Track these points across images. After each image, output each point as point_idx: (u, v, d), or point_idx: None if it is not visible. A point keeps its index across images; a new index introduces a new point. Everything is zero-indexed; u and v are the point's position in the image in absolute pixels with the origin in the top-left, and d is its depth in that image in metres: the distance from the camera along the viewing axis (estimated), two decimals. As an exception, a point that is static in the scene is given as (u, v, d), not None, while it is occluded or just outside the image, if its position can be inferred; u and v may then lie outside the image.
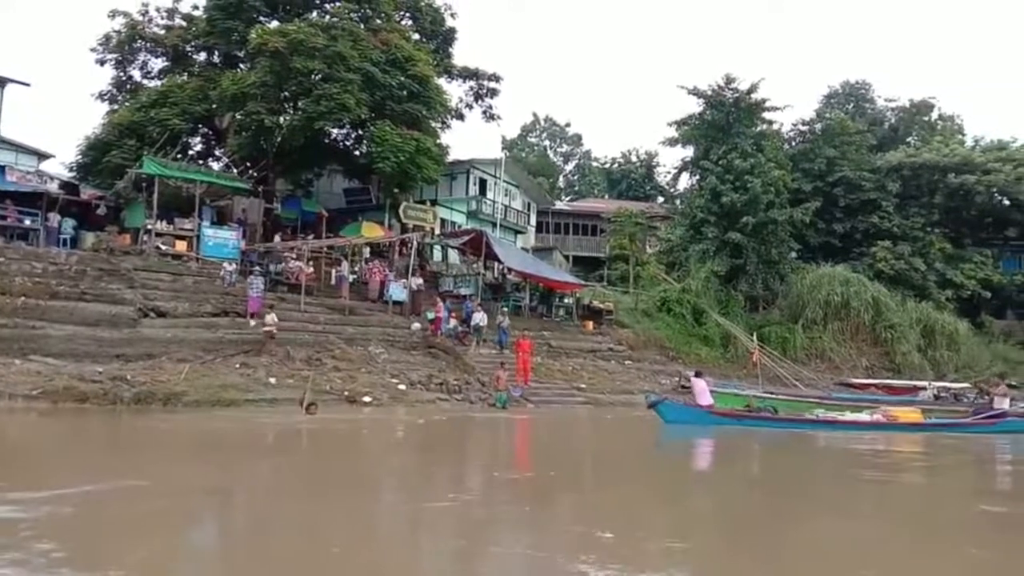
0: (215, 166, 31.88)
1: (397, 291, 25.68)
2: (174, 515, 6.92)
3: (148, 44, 33.03)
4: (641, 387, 24.43)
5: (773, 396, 22.23)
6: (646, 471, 12.19)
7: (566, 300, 32.11)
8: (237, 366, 18.86)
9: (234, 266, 23.73)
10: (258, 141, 29.61)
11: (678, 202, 49.48)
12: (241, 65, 31.10)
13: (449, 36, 34.67)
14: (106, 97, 33.78)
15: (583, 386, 23.99)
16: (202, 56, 32.99)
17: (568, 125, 78.07)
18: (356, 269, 27.26)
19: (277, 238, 28.32)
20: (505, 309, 26.26)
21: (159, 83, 32.44)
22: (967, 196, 40.34)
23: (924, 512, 9.14)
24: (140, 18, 32.89)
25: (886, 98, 54.69)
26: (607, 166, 70.34)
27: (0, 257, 19.53)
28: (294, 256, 25.74)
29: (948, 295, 38.41)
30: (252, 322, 20.33)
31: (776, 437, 17.15)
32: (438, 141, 31.45)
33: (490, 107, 35.74)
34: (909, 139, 50.95)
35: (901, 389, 28.28)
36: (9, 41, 78.74)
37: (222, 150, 32.94)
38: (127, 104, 31.83)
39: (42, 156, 31.40)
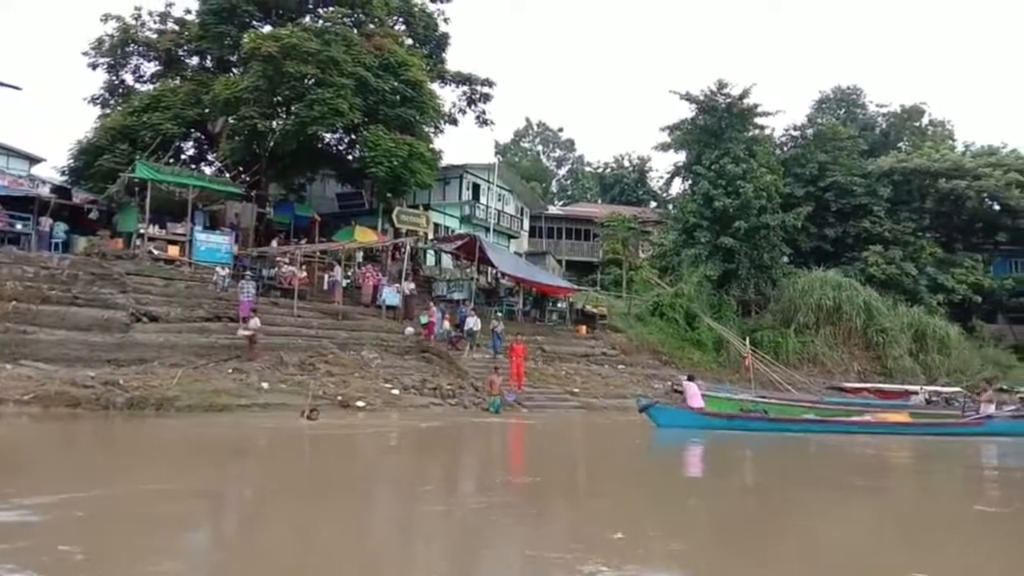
0: (208, 170, 31.89)
1: (390, 296, 25.69)
2: (195, 518, 7.02)
3: (141, 48, 33.03)
4: (634, 391, 24.45)
5: (766, 400, 22.32)
6: (643, 475, 12.23)
7: (559, 305, 32.15)
8: (230, 371, 18.80)
9: (227, 271, 23.69)
10: (251, 145, 29.61)
11: (671, 207, 49.54)
12: (234, 69, 31.10)
13: (442, 41, 34.75)
14: (98, 101, 33.76)
15: (576, 390, 24.00)
16: (195, 60, 32.98)
17: (561, 130, 78.46)
18: (349, 274, 27.23)
19: (274, 243, 28.29)
20: (499, 314, 26.27)
21: (152, 87, 32.39)
22: (958, 201, 40.55)
23: (920, 510, 9.29)
24: (133, 22, 32.89)
25: (877, 103, 55.04)
26: (600, 171, 70.55)
27: (-9, 261, 19.43)
28: (287, 261, 25.71)
29: (939, 299, 38.55)
30: (241, 330, 20.13)
31: (767, 440, 17.23)
32: (431, 146, 31.47)
33: (483, 112, 35.86)
34: (900, 144, 51.20)
35: (893, 393, 28.37)
36: (0, 44, 78.45)
37: (215, 154, 32.93)
38: (119, 108, 31.79)
39: (34, 160, 31.38)
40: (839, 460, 14.87)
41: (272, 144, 29.39)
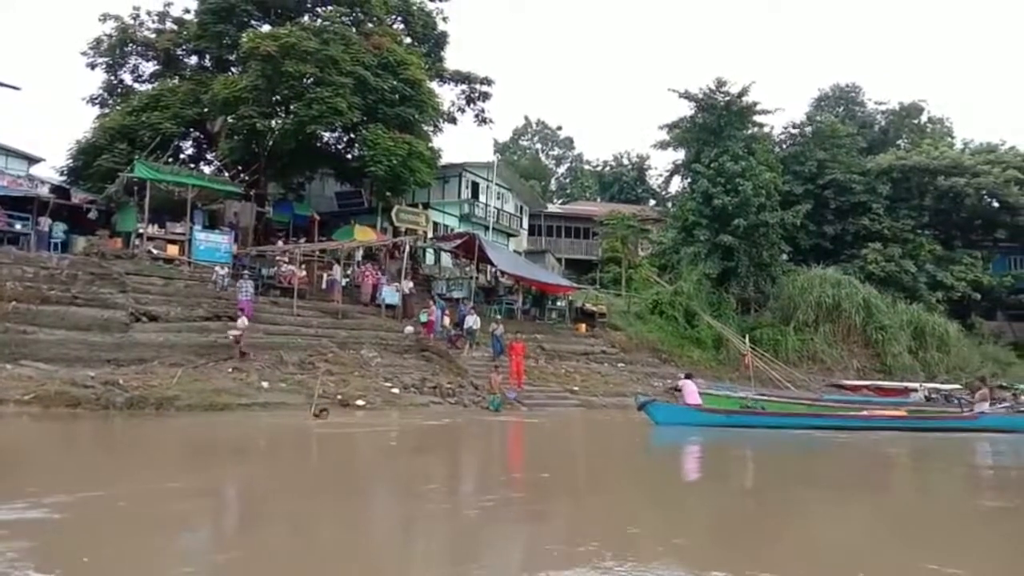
0: (207, 170, 31.89)
1: (390, 294, 25.70)
2: (216, 517, 7.11)
3: (139, 48, 33.07)
4: (634, 389, 24.47)
5: (765, 398, 22.36)
6: (646, 472, 12.29)
7: (559, 303, 32.17)
8: (230, 370, 18.82)
9: (226, 270, 23.70)
10: (250, 145, 29.62)
11: (670, 205, 49.58)
12: (233, 69, 31.11)
13: (441, 40, 34.74)
14: (97, 101, 33.78)
15: (576, 389, 24.03)
16: (193, 60, 33.00)
17: (560, 128, 78.44)
18: (348, 273, 27.24)
19: (280, 243, 28.31)
20: (499, 317, 26.23)
21: (150, 87, 32.43)
22: (957, 198, 40.54)
23: (924, 503, 9.39)
24: (131, 22, 32.92)
25: (876, 101, 55.10)
26: (599, 169, 70.56)
27: (-9, 262, 19.44)
28: (286, 260, 25.72)
29: (938, 297, 38.56)
30: (230, 331, 19.92)
31: (765, 436, 17.33)
32: (430, 145, 31.50)
33: (482, 111, 35.90)
34: (899, 142, 51.22)
35: (892, 390, 28.40)
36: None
37: (214, 154, 32.95)
38: (118, 108, 31.81)
39: (32, 160, 31.35)
40: (835, 455, 14.97)
41: (271, 143, 29.41)
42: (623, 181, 64.70)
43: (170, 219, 25.35)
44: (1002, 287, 41.12)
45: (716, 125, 36.31)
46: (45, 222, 24.77)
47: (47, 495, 7.18)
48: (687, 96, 36.92)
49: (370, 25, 30.37)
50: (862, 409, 20.28)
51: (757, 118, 37.49)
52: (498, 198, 40.96)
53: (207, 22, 29.83)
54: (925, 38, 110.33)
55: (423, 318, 24.68)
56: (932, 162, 41.18)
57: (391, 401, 19.31)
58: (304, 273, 25.33)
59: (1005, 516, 8.63)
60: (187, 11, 32.50)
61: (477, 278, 30.44)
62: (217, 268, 23.58)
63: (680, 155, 39.41)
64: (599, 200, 61.67)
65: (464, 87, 35.51)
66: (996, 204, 41.50)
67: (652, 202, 59.80)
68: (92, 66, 32.96)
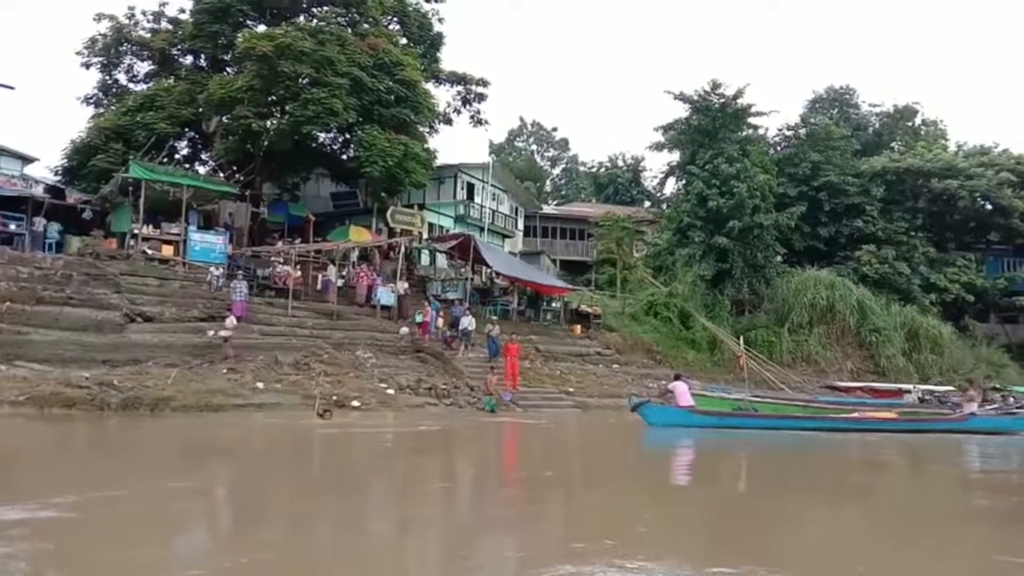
0: (202, 170, 31.74)
1: (385, 295, 25.70)
2: (232, 519, 7.16)
3: (134, 47, 32.92)
4: (629, 391, 24.49)
5: (759, 399, 22.43)
6: (645, 473, 12.41)
7: (554, 304, 32.20)
8: (224, 371, 18.78)
9: (221, 270, 23.65)
10: (245, 145, 29.53)
11: (665, 207, 49.66)
12: (228, 69, 31.03)
13: (437, 41, 34.70)
14: (92, 100, 33.63)
15: (571, 390, 24.06)
16: (188, 60, 32.88)
17: (555, 129, 78.51)
18: (344, 274, 27.21)
19: (280, 244, 28.26)
20: (495, 318, 26.23)
21: (145, 87, 32.29)
22: (950, 201, 40.76)
23: (917, 503, 9.52)
24: (126, 21, 32.79)
25: (870, 103, 55.34)
26: (594, 170, 70.59)
27: (-16, 262, 19.38)
28: (281, 261, 25.69)
29: (932, 299, 38.76)
30: (220, 331, 19.81)
31: (757, 438, 17.45)
32: (426, 145, 31.43)
33: (478, 112, 35.81)
34: (893, 144, 51.48)
35: (886, 392, 28.51)
36: (-8, 44, 78.06)
37: (209, 154, 32.84)
38: (113, 108, 31.69)
39: (27, 160, 31.26)
40: (824, 456, 15.12)
41: (266, 144, 29.33)
42: (618, 183, 64.74)
43: (165, 219, 25.29)
44: (995, 289, 41.32)
45: (711, 127, 36.39)
46: (39, 222, 24.68)
47: (56, 495, 7.20)
48: (682, 98, 37.01)
49: (366, 26, 30.33)
50: (853, 411, 20.47)
51: (752, 120, 37.60)
52: (493, 199, 40.98)
53: (202, 22, 29.74)
54: (919, 40, 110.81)
55: (418, 319, 24.69)
56: (926, 164, 41.41)
57: (386, 402, 19.30)
58: (299, 274, 25.31)
59: (993, 516, 8.73)
60: (182, 11, 32.42)
61: (472, 279, 30.44)
62: (212, 269, 23.54)
63: (675, 157, 39.50)
64: (594, 201, 61.73)
65: (460, 88, 35.48)
66: (989, 206, 41.76)
67: (647, 204, 59.87)
68: (87, 65, 32.83)
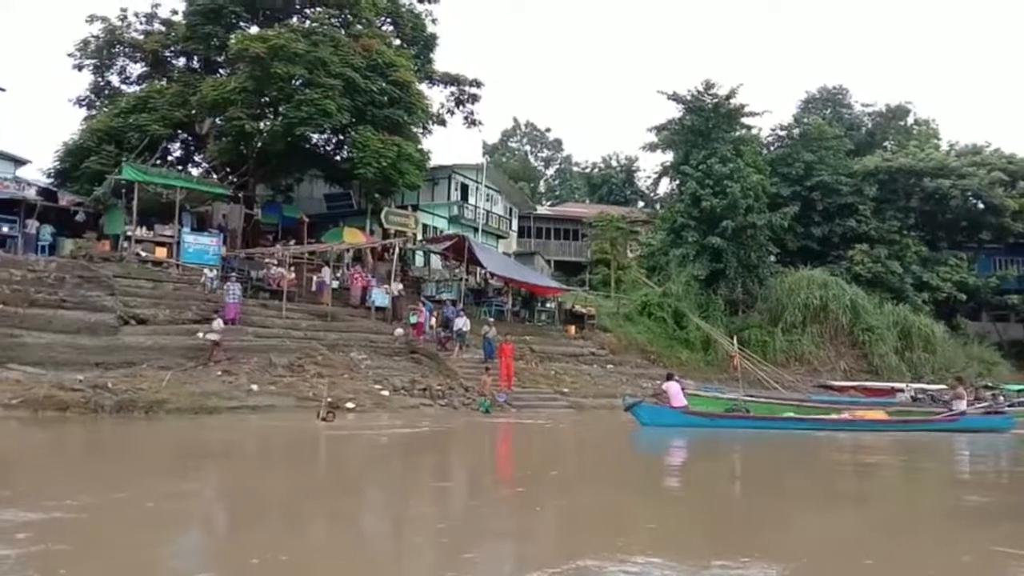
0: (195, 172, 31.83)
1: (379, 297, 25.71)
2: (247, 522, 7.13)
3: (127, 49, 32.93)
4: (623, 391, 24.58)
5: (753, 399, 22.52)
6: (643, 472, 12.52)
7: (548, 305, 32.25)
8: (219, 373, 18.77)
9: (215, 272, 23.63)
10: (238, 147, 29.55)
11: (658, 207, 49.77)
12: (221, 71, 31.06)
13: (430, 42, 34.75)
14: (84, 102, 33.65)
15: (566, 390, 24.10)
16: (181, 61, 32.88)
17: (549, 130, 78.60)
18: (338, 275, 27.20)
19: (278, 246, 28.22)
20: (491, 320, 26.22)
21: (138, 88, 32.30)
22: (942, 200, 40.90)
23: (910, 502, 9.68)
24: (119, 23, 32.79)
25: (863, 103, 55.48)
26: (588, 171, 70.70)
27: (-22, 265, 19.33)
28: (275, 262, 25.67)
29: (924, 298, 38.91)
30: (206, 334, 19.63)
31: (751, 437, 17.57)
32: (419, 146, 31.47)
33: (471, 113, 35.90)
34: (886, 144, 51.65)
35: (879, 391, 28.62)
36: (-16, 45, 77.82)
37: (202, 156, 32.87)
38: (106, 110, 31.70)
39: (19, 162, 31.18)
40: (816, 455, 15.29)
41: (260, 145, 29.35)
42: (612, 183, 64.85)
43: (158, 221, 25.24)
44: (987, 288, 41.49)
45: (704, 127, 36.46)
46: (32, 225, 24.65)
47: (65, 498, 7.24)
48: (675, 98, 37.06)
49: (359, 27, 30.35)
50: (844, 412, 20.65)
51: (745, 120, 37.69)
52: (487, 200, 41.01)
53: (195, 24, 29.73)
54: (912, 40, 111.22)
55: (412, 320, 24.71)
56: (918, 164, 41.56)
57: (381, 403, 19.31)
58: (293, 275, 25.29)
59: (984, 512, 8.84)
60: (175, 12, 32.44)
61: (467, 280, 30.47)
62: (206, 271, 23.51)
63: (669, 157, 39.55)
64: (588, 202, 61.84)
65: (453, 89, 35.53)
66: (981, 205, 41.90)
67: (641, 204, 59.99)
68: (79, 67, 32.83)
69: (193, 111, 29.82)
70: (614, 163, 67.16)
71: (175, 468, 10.31)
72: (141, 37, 32.69)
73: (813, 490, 10.43)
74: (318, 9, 30.31)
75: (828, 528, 7.52)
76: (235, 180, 29.87)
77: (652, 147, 39.61)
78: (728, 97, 36.44)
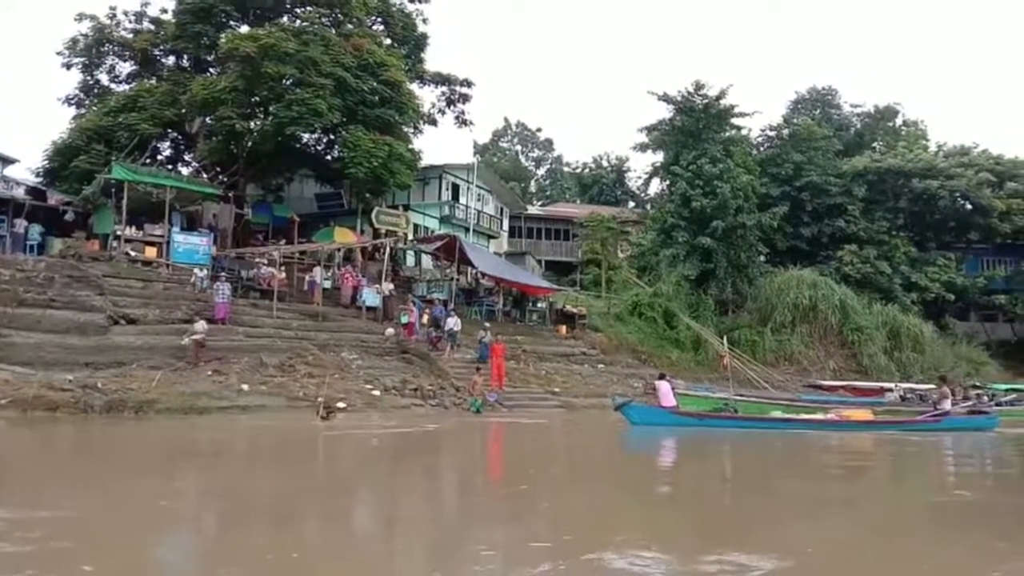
0: (185, 171, 31.66)
1: (370, 297, 25.69)
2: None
3: (116, 48, 32.70)
4: (614, 390, 24.64)
5: (743, 399, 22.64)
6: (637, 471, 12.69)
7: (539, 305, 32.30)
8: (209, 373, 18.74)
9: (205, 272, 23.56)
10: (229, 146, 29.42)
11: (649, 207, 49.87)
12: (211, 70, 30.90)
13: (421, 41, 34.68)
14: (73, 101, 33.38)
15: (557, 390, 24.15)
16: (171, 60, 32.68)
17: (539, 130, 78.57)
18: (329, 275, 27.15)
19: (283, 240, 28.10)
20: (488, 324, 26.12)
21: (128, 87, 32.07)
22: (931, 200, 41.16)
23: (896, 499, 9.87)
24: (108, 22, 32.54)
25: (852, 104, 55.77)
26: (578, 171, 70.77)
27: (-35, 264, 19.22)
28: (265, 262, 25.61)
29: (913, 298, 39.13)
30: (185, 338, 19.43)
31: (740, 436, 17.73)
32: (410, 146, 31.40)
33: (462, 112, 35.82)
34: (874, 144, 51.92)
35: (868, 391, 28.75)
36: (-29, 43, 77.31)
37: (192, 155, 32.72)
38: (95, 108, 31.48)
39: (7, 161, 30.91)
40: (806, 452, 15.48)
41: (250, 144, 29.22)
42: (603, 183, 64.93)
43: (148, 221, 25.17)
44: (975, 288, 41.76)
45: (694, 128, 36.57)
46: (21, 224, 24.52)
47: (71, 496, 7.42)
48: (666, 99, 37.15)
49: (350, 26, 30.28)
50: (831, 411, 20.86)
51: (735, 121, 37.78)
52: (478, 200, 41.00)
53: (185, 22, 29.56)
54: (901, 41, 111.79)
55: (403, 320, 24.71)
56: (907, 164, 41.81)
57: (372, 403, 19.31)
58: (284, 275, 25.24)
59: (969, 510, 9.00)
60: (164, 11, 32.21)
61: (458, 280, 30.47)
62: (196, 270, 23.44)
63: (659, 157, 39.63)
64: (579, 202, 61.91)
65: (444, 89, 35.48)
66: (969, 206, 42.19)
67: (631, 204, 60.09)
68: (68, 66, 32.57)
69: (183, 110, 29.68)
70: (605, 163, 67.26)
71: (168, 468, 10.33)
72: (130, 36, 32.48)
73: (802, 488, 10.55)
74: (308, 8, 30.21)
75: (820, 524, 7.66)
76: (225, 179, 29.74)
77: (642, 147, 39.71)
78: (718, 98, 36.56)
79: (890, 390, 28.11)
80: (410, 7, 34.26)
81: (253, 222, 31.73)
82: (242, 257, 26.65)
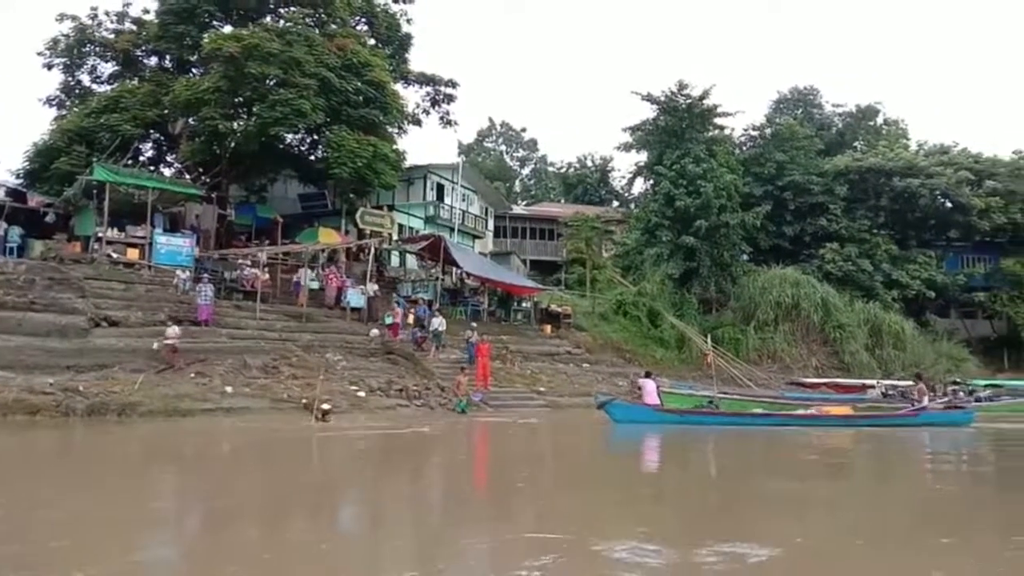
0: (167, 172, 31.49)
1: (355, 297, 25.64)
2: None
3: (97, 48, 32.47)
4: (599, 389, 24.72)
5: (727, 397, 22.83)
6: (630, 467, 12.78)
7: (524, 304, 32.36)
8: (192, 375, 18.61)
9: (188, 273, 23.41)
10: (211, 147, 29.29)
11: (633, 206, 50.08)
12: (194, 70, 30.76)
13: (405, 42, 34.68)
14: (54, 102, 33.13)
15: (542, 389, 24.20)
16: (153, 61, 32.49)
17: (524, 130, 78.68)
18: (314, 275, 27.04)
19: (266, 241, 28.04)
20: (474, 325, 26.13)
21: (109, 88, 31.84)
22: (911, 199, 41.55)
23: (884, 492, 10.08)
24: (89, 22, 32.31)
25: (833, 103, 56.18)
26: (563, 171, 70.91)
27: (-56, 267, 19.03)
28: (249, 263, 25.50)
29: (894, 295, 39.50)
30: (157, 343, 19.15)
31: (722, 433, 17.98)
32: (395, 146, 31.38)
33: (447, 112, 35.89)
34: (856, 143, 52.36)
35: (850, 388, 29.04)
36: (-51, 43, 76.42)
37: (174, 156, 32.51)
38: (76, 109, 31.23)
39: (-13, 162, 30.61)
40: (779, 449, 15.72)
41: (233, 145, 29.09)
42: (587, 183, 65.10)
43: (130, 222, 24.98)
44: (955, 285, 42.19)
45: (678, 127, 36.79)
46: (0, 226, 24.28)
47: (80, 491, 7.53)
48: (649, 99, 37.35)
49: (334, 26, 30.23)
50: (811, 407, 21.15)
51: (718, 120, 38.11)
52: (463, 200, 40.99)
53: (167, 23, 29.39)
54: (882, 41, 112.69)
55: (388, 320, 24.69)
56: (887, 163, 42.18)
57: (357, 404, 19.25)
58: (267, 276, 25.14)
59: (946, 500, 9.16)
60: (146, 11, 32.02)
61: (443, 280, 30.47)
62: (179, 272, 23.28)
63: (643, 157, 39.88)
64: (563, 202, 62.05)
65: (429, 89, 35.50)
66: (949, 204, 42.65)
67: (616, 204, 60.31)
68: (49, 67, 32.32)
69: (165, 111, 29.49)
70: (589, 163, 67.44)
71: (155, 472, 10.32)
72: (112, 36, 32.25)
73: (786, 481, 10.80)
74: (292, 8, 30.13)
75: (806, 516, 7.96)
76: (208, 180, 29.60)
77: (626, 147, 39.93)
78: (701, 98, 36.80)
79: (872, 387, 28.42)
80: (394, 7, 34.31)
81: (236, 223, 31.58)
82: (225, 258, 26.51)
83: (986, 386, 29.42)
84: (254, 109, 27.74)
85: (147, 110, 29.15)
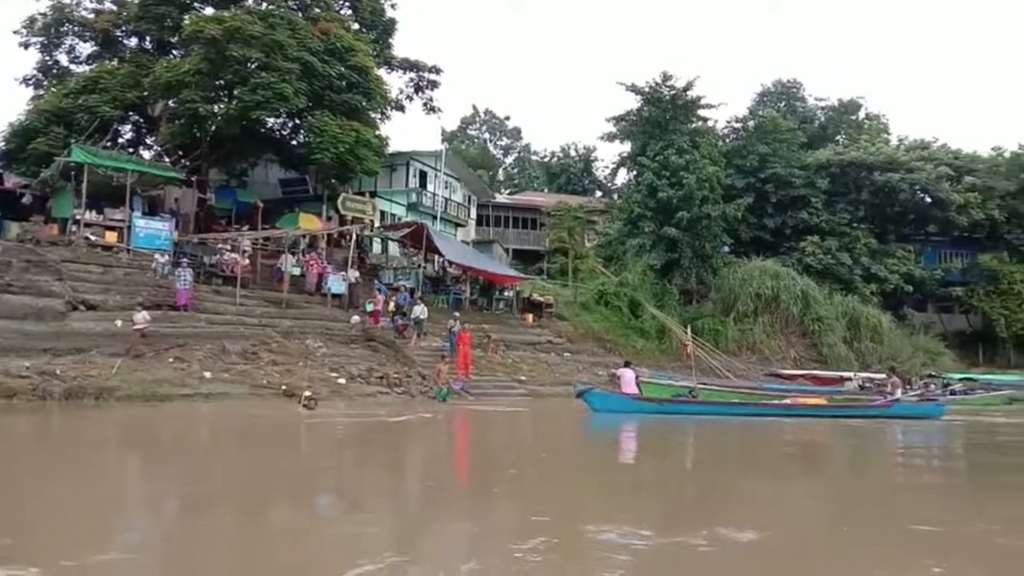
0: (147, 155, 31.15)
1: (336, 284, 25.52)
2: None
3: (76, 28, 31.87)
4: (580, 378, 24.79)
5: (706, 387, 23.03)
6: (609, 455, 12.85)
7: (506, 293, 32.37)
8: (171, 360, 18.47)
9: (166, 257, 23.20)
10: (192, 130, 28.97)
11: (616, 197, 50.14)
12: (175, 52, 30.32)
13: (389, 27, 34.40)
14: (31, 82, 32.52)
15: (523, 378, 24.26)
16: (133, 42, 31.99)
17: (508, 118, 78.48)
18: (295, 261, 26.89)
19: (246, 226, 27.81)
20: (457, 314, 26.07)
21: (88, 69, 31.34)
22: (891, 193, 41.95)
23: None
24: (68, 1, 31.75)
25: (816, 97, 56.43)
26: (546, 160, 70.85)
27: (-82, 248, 18.73)
28: (229, 248, 25.30)
29: (872, 289, 39.91)
30: (118, 321, 18.74)
31: (700, 422, 18.19)
32: (377, 132, 31.20)
33: (430, 99, 35.68)
34: (838, 137, 52.66)
35: (828, 380, 29.31)
36: (-77, 19, 74.77)
37: (154, 139, 32.14)
38: (54, 90, 30.69)
39: (-38, 143, 30.18)
40: (754, 437, 15.96)
41: (214, 128, 28.78)
42: (570, 172, 65.09)
43: (108, 205, 24.65)
44: (932, 280, 42.72)
45: (662, 118, 36.84)
46: (-25, 207, 23.97)
47: (83, 485, 7.51)
48: (634, 89, 37.36)
49: (317, 10, 29.91)
50: (785, 398, 21.43)
51: (701, 112, 38.18)
52: (446, 187, 40.84)
53: (148, 3, 28.93)
54: (865, 35, 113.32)
55: (369, 308, 24.61)
56: (869, 158, 42.53)
57: (337, 391, 19.19)
58: (247, 262, 24.96)
59: (920, 489, 9.30)
60: (127, -9, 31.53)
61: (425, 268, 30.41)
62: (157, 256, 23.05)
63: (626, 147, 39.91)
64: (546, 191, 62.01)
65: (412, 75, 35.29)
66: (928, 199, 43.13)
67: (599, 194, 60.31)
68: (25, 45, 31.70)
69: (145, 93, 29.07)
70: (573, 153, 67.41)
71: (135, 457, 10.28)
72: (91, 15, 31.68)
73: (764, 469, 11.11)
74: (275, -10, 29.80)
75: (786, 501, 8.25)
76: (188, 164, 29.27)
77: (610, 137, 39.92)
78: (685, 89, 36.86)
79: (849, 379, 28.69)
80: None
81: (216, 207, 31.33)
82: (205, 243, 26.29)
83: (960, 379, 29.85)
84: (235, 92, 27.41)
85: (127, 92, 28.72)
